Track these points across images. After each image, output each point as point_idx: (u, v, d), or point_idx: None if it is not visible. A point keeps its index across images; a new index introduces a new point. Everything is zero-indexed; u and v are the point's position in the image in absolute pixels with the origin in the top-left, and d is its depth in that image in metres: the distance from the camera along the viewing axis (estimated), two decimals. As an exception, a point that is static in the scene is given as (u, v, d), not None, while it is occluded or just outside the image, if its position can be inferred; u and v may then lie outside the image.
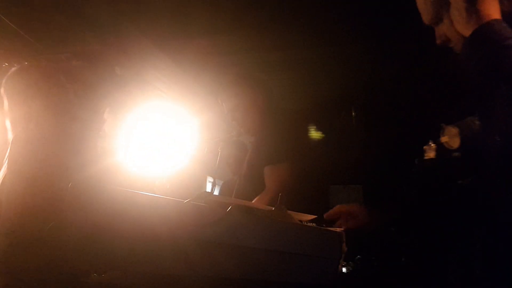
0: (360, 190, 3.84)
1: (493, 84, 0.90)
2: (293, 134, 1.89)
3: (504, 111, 0.89)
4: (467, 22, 0.94)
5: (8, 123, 1.55)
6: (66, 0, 2.55)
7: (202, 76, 3.46)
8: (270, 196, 1.72)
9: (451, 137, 1.17)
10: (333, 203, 1.26)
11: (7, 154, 1.45)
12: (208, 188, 3.98)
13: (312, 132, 2.06)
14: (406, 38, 2.82)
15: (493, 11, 0.93)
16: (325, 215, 1.22)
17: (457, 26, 0.98)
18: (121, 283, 0.93)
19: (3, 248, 1.31)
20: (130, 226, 0.90)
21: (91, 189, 0.92)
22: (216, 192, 3.07)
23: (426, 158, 1.25)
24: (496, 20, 0.92)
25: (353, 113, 3.95)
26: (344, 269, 1.07)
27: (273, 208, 1.09)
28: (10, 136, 1.53)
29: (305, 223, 1.14)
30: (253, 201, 1.72)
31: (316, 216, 1.21)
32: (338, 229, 1.08)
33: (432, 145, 1.24)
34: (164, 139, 2.46)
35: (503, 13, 0.95)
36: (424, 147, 1.26)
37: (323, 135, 2.23)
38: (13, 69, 1.59)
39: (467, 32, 0.95)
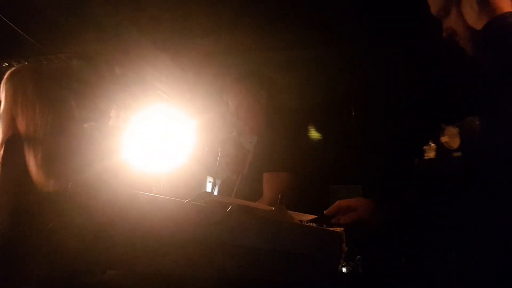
0: (360, 190, 3.83)
1: (506, 79, 0.87)
2: (294, 138, 1.86)
3: (510, 109, 0.87)
4: (479, 15, 0.92)
5: (7, 123, 1.55)
6: (66, 0, 2.55)
7: (202, 76, 3.46)
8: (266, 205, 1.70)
9: (451, 137, 1.17)
10: (333, 203, 1.26)
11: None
12: (208, 188, 3.98)
13: (313, 132, 2.06)
14: (406, 38, 2.82)
15: (505, 4, 0.92)
16: (325, 212, 1.21)
17: (468, 19, 0.96)
18: (121, 283, 0.93)
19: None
20: (131, 225, 0.90)
21: (92, 189, 0.92)
22: (216, 192, 3.06)
23: (426, 158, 1.25)
24: (509, 12, 0.90)
25: (353, 113, 3.95)
26: (344, 269, 1.07)
27: (273, 208, 1.09)
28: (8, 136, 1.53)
29: (305, 223, 1.14)
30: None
31: (316, 216, 1.21)
32: (338, 229, 1.08)
33: (432, 145, 1.24)
34: (164, 139, 2.46)
35: None
36: (424, 147, 1.26)
37: (324, 135, 2.22)
38: (13, 69, 1.59)
39: (479, 25, 0.93)
